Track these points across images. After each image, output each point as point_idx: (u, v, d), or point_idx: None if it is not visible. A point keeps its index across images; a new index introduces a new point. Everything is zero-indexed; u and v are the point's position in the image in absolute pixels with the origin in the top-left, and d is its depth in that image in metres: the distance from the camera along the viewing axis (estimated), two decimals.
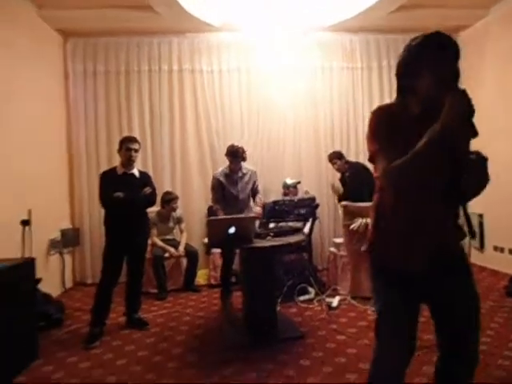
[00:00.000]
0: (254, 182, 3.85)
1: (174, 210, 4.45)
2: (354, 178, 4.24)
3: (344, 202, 4.03)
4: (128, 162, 3.19)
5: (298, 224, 3.74)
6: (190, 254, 4.38)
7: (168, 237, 4.47)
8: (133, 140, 3.25)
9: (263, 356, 2.60)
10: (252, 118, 5.06)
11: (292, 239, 2.98)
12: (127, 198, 3.07)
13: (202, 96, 4.99)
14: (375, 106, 5.11)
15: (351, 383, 2.22)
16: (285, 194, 4.52)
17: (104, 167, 4.22)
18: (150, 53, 4.94)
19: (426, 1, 4.38)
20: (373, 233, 1.45)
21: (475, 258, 5.04)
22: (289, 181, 4.56)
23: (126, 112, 4.90)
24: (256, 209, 3.97)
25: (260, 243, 2.85)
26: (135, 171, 3.27)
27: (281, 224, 3.54)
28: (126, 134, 4.56)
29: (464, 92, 1.22)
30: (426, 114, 1.31)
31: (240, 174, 3.74)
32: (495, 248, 4.75)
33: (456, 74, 1.33)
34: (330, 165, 4.63)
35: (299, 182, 4.66)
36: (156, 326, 3.27)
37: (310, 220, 4.13)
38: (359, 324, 3.13)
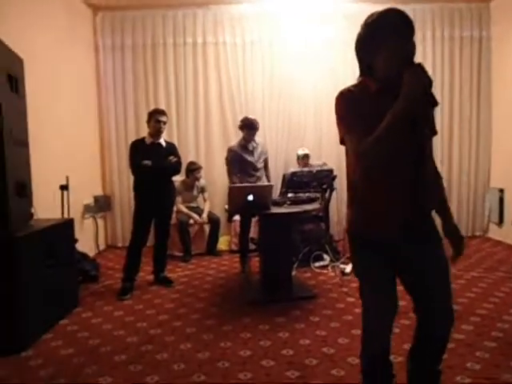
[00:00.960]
0: (265, 154, 4.04)
1: (198, 179, 4.69)
2: None
3: None
4: (157, 133, 3.42)
5: (316, 194, 3.89)
6: (213, 220, 4.65)
7: (192, 204, 4.74)
8: (162, 112, 3.46)
9: (277, 311, 2.85)
10: (274, 92, 5.13)
11: (307, 207, 3.16)
12: (154, 165, 3.32)
13: (226, 69, 5.10)
14: None
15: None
16: (298, 165, 4.63)
17: (132, 138, 4.47)
18: (174, 26, 5.06)
19: None
20: (349, 209, 1.55)
21: (493, 232, 5.09)
22: (300, 151, 4.69)
23: (152, 85, 5.09)
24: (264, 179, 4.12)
25: (277, 210, 3.05)
26: (162, 141, 3.50)
27: (299, 194, 3.72)
28: (152, 106, 4.78)
29: (420, 65, 1.28)
30: (385, 90, 1.38)
31: (254, 145, 3.91)
32: None
33: (411, 50, 1.35)
34: None
35: (308, 154, 4.68)
36: (180, 284, 3.58)
37: (328, 191, 4.27)
38: None
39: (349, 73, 5.07)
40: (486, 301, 2.94)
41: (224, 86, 5.13)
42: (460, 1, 5.07)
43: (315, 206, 3.33)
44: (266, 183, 3.24)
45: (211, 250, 4.65)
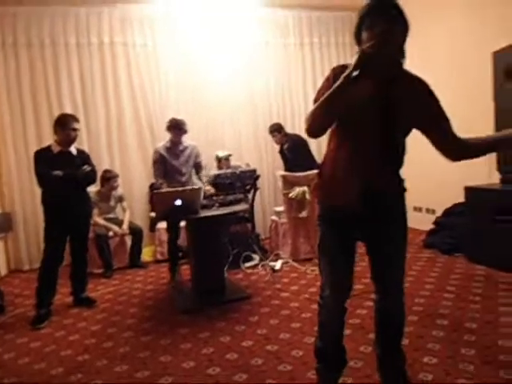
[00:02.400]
0: (197, 157, 3.91)
1: (115, 188, 4.39)
2: (292, 150, 4.49)
3: (283, 172, 4.27)
4: (71, 142, 3.10)
5: (241, 195, 3.90)
6: (135, 231, 4.38)
7: (110, 215, 4.41)
8: (76, 119, 3.15)
9: (215, 316, 2.78)
10: (190, 93, 5.05)
11: (237, 208, 3.15)
12: (67, 176, 3.00)
13: (137, 71, 4.87)
14: (309, 81, 5.37)
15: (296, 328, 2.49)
16: (218, 167, 4.59)
17: (33, 147, 4.01)
18: (77, 24, 4.67)
19: None
20: (317, 181, 1.64)
21: None
22: (220, 153, 4.62)
23: (54, 87, 4.63)
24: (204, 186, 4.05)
25: (207, 213, 2.98)
26: (72, 149, 3.18)
27: (223, 196, 3.68)
28: (56, 111, 4.36)
29: (370, 46, 1.34)
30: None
31: (181, 148, 3.78)
32: (415, 208, 5.36)
33: (387, 33, 1.37)
34: (268, 137, 4.84)
35: (230, 155, 4.68)
36: (105, 302, 3.30)
37: (252, 191, 4.33)
38: (300, 282, 3.43)
39: (259, 74, 5.24)
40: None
41: (136, 89, 4.88)
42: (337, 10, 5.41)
43: (244, 206, 3.34)
44: (194, 186, 3.14)
45: (135, 262, 4.37)
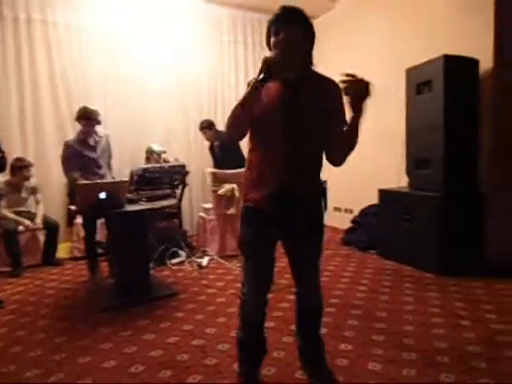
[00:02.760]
0: (109, 147, 3.71)
1: (27, 178, 4.01)
2: (222, 148, 4.50)
3: (212, 169, 4.27)
4: None
5: (168, 191, 3.82)
6: (50, 225, 4.05)
7: (21, 208, 4.02)
8: None
9: (138, 314, 2.69)
10: (117, 82, 4.80)
11: (166, 202, 3.08)
12: None
13: (58, 53, 4.49)
14: (240, 78, 5.47)
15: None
16: (147, 160, 4.43)
17: None
18: None
19: None
20: (244, 182, 1.72)
21: None
22: (156, 147, 4.47)
23: None
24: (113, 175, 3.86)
25: (134, 207, 2.87)
26: None
27: (150, 190, 3.56)
28: None
29: (276, 52, 1.47)
30: (284, 79, 1.56)
31: (97, 138, 3.56)
32: (335, 208, 5.72)
33: (290, 40, 1.48)
34: (198, 133, 4.80)
35: (165, 152, 4.57)
36: (13, 303, 3.00)
37: (181, 187, 4.26)
38: (227, 278, 3.47)
39: (197, 68, 5.19)
40: (323, 275, 3.42)
41: (57, 73, 4.51)
42: None
43: (173, 201, 3.28)
44: (120, 179, 3.00)
45: (49, 259, 4.04)
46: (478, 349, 2.09)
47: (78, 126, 4.36)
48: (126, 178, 3.02)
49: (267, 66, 1.42)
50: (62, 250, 4.30)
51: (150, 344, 2.26)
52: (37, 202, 4.14)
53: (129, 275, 2.97)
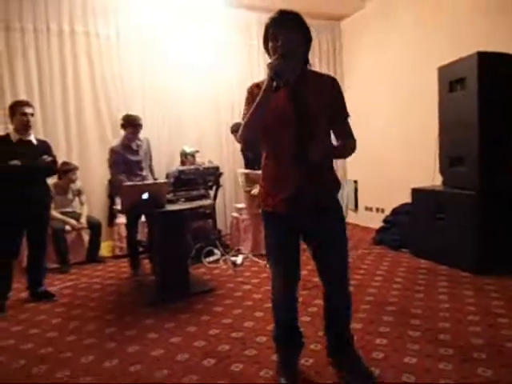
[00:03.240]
0: (150, 150, 3.92)
1: (73, 181, 4.28)
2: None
3: (245, 170, 4.39)
4: (24, 127, 3.00)
5: (203, 191, 3.97)
6: (93, 225, 4.30)
7: (67, 209, 4.29)
8: (26, 104, 3.05)
9: (179, 308, 2.84)
10: (153, 89, 5.01)
11: (203, 203, 3.23)
12: (25, 166, 2.92)
13: (99, 62, 4.75)
14: None
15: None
16: (182, 163, 4.59)
17: None
18: (34, 9, 4.47)
19: None
20: (260, 187, 1.82)
21: (351, 217, 5.97)
22: (187, 149, 4.60)
23: (7, 74, 4.40)
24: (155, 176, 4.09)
25: (174, 207, 3.03)
26: (32, 138, 3.09)
27: (186, 192, 3.72)
28: (8, 100, 4.15)
29: (277, 57, 1.50)
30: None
31: (139, 143, 3.77)
32: (366, 208, 5.72)
33: (290, 43, 1.53)
34: (230, 136, 4.94)
35: (197, 151, 4.70)
36: (64, 297, 3.23)
37: (214, 187, 4.41)
38: (261, 276, 3.57)
39: (228, 72, 5.33)
40: (356, 273, 3.48)
41: (98, 81, 4.76)
42: (319, 18, 5.77)
43: (210, 201, 3.42)
44: (161, 180, 3.17)
45: (93, 257, 4.29)
46: None
47: (117, 133, 4.63)
48: (167, 180, 3.18)
49: (275, 73, 1.46)
50: (104, 249, 4.55)
51: (192, 335, 2.40)
52: (81, 203, 4.40)
53: (169, 272, 3.13)
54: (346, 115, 1.77)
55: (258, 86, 1.68)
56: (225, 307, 2.85)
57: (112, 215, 4.71)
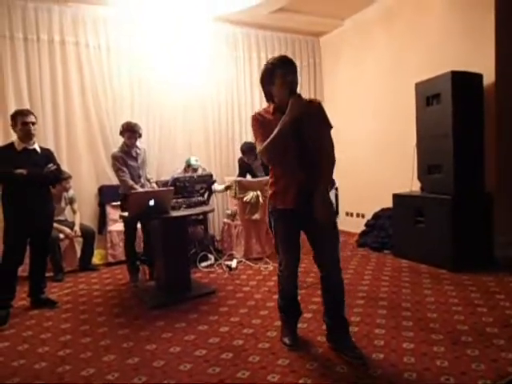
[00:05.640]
0: (146, 159, 4.04)
1: (67, 190, 4.31)
2: (264, 164, 4.72)
3: (238, 178, 4.58)
4: (27, 136, 3.06)
5: (201, 198, 4.11)
6: (87, 233, 4.33)
7: (60, 218, 4.29)
8: (27, 113, 3.11)
9: (186, 310, 2.98)
10: (143, 97, 5.12)
11: (204, 209, 3.38)
12: (32, 174, 2.97)
13: (90, 72, 4.81)
14: (255, 92, 5.91)
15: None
16: (185, 170, 4.74)
17: None
18: (24, 19, 4.49)
19: (299, 7, 5.13)
20: (271, 191, 2.25)
21: None
22: (193, 161, 4.74)
23: None
24: (153, 185, 4.23)
25: (178, 213, 3.17)
26: (36, 147, 3.15)
27: (182, 199, 3.85)
28: None
29: (299, 95, 2.04)
30: (279, 109, 2.10)
31: (138, 151, 3.88)
32: (347, 214, 6.04)
33: (295, 83, 2.10)
34: (218, 143, 5.14)
35: (200, 167, 4.82)
36: (66, 303, 3.28)
37: (207, 194, 4.56)
38: (257, 278, 3.76)
39: (215, 83, 5.52)
40: (346, 273, 3.73)
41: (88, 90, 4.81)
42: (299, 34, 6.10)
43: (211, 207, 3.58)
44: (166, 188, 3.29)
45: (86, 265, 4.32)
46: (495, 330, 2.39)
47: (107, 142, 4.73)
48: (171, 188, 3.31)
49: (299, 107, 2.02)
50: (96, 257, 4.57)
51: (205, 333, 2.55)
52: (74, 212, 4.42)
53: (173, 275, 3.26)
54: (330, 126, 2.23)
55: (260, 114, 2.21)
56: (230, 307, 3.01)
57: (103, 223, 4.76)
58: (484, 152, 3.86)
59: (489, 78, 3.78)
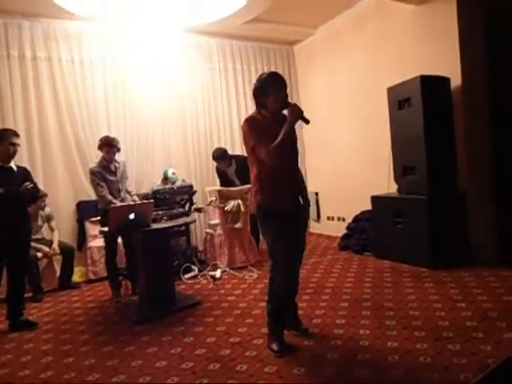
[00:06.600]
0: (125, 172, 4.01)
1: (42, 208, 4.22)
2: (238, 171, 4.71)
3: (218, 188, 4.58)
4: (11, 156, 3.04)
5: (181, 209, 4.09)
6: (66, 250, 4.23)
7: (37, 236, 4.19)
8: (16, 134, 3.13)
9: (171, 323, 2.95)
10: (119, 110, 5.08)
11: (185, 220, 3.37)
12: (8, 193, 2.91)
13: (63, 86, 4.75)
14: (232, 102, 5.97)
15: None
16: (163, 183, 4.71)
17: None
18: None
19: (271, 17, 5.21)
20: (260, 195, 2.33)
21: (314, 228, 6.33)
22: (170, 174, 4.73)
23: None
24: (134, 197, 4.18)
25: (159, 225, 3.15)
26: (13, 165, 3.10)
27: (162, 211, 3.83)
28: None
29: (295, 104, 2.28)
30: (274, 119, 2.32)
31: (116, 165, 3.85)
32: (328, 218, 6.11)
33: (287, 95, 2.37)
34: (197, 153, 5.15)
35: (177, 180, 4.82)
36: (46, 324, 3.19)
37: (188, 205, 4.54)
38: (242, 287, 3.76)
39: (192, 93, 5.54)
40: (330, 277, 3.79)
41: (62, 105, 4.74)
42: (273, 43, 6.20)
43: (192, 218, 3.57)
44: (146, 201, 3.26)
45: (66, 283, 4.21)
46: (474, 323, 2.47)
47: (84, 157, 4.67)
48: (151, 201, 3.28)
49: (300, 113, 2.26)
50: (76, 274, 4.47)
51: (191, 345, 2.53)
52: (52, 229, 4.33)
53: (157, 288, 3.22)
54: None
55: (255, 118, 2.36)
56: (215, 317, 2.99)
57: (83, 239, 4.67)
58: (456, 153, 4.00)
59: (455, 81, 3.94)
